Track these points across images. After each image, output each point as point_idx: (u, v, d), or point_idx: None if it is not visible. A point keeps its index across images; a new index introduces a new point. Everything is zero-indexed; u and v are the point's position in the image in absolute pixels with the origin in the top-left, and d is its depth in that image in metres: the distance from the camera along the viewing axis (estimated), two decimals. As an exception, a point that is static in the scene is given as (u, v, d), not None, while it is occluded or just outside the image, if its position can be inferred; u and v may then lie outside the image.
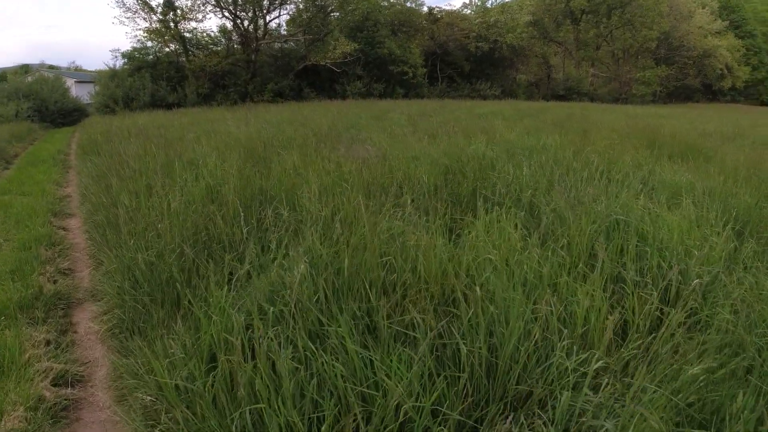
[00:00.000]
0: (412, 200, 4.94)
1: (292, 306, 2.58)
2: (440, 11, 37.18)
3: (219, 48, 30.44)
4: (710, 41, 47.93)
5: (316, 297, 2.78)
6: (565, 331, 2.78)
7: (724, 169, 7.59)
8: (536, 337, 2.60)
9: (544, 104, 28.75)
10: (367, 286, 2.86)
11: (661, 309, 3.21)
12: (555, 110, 23.10)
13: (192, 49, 29.60)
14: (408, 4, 35.56)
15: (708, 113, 29.90)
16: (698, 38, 47.12)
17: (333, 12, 30.75)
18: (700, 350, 2.83)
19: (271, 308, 2.62)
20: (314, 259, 3.20)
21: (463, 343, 2.43)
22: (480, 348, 2.44)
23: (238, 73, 28.68)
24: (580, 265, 3.60)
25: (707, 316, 3.27)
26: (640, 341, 2.91)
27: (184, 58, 29.02)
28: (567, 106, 27.14)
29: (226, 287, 2.95)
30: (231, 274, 3.47)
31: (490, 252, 3.51)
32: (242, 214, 4.14)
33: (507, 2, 39.61)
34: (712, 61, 48.85)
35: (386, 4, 34.79)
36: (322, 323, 2.64)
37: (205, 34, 30.57)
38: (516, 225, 4.03)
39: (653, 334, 2.95)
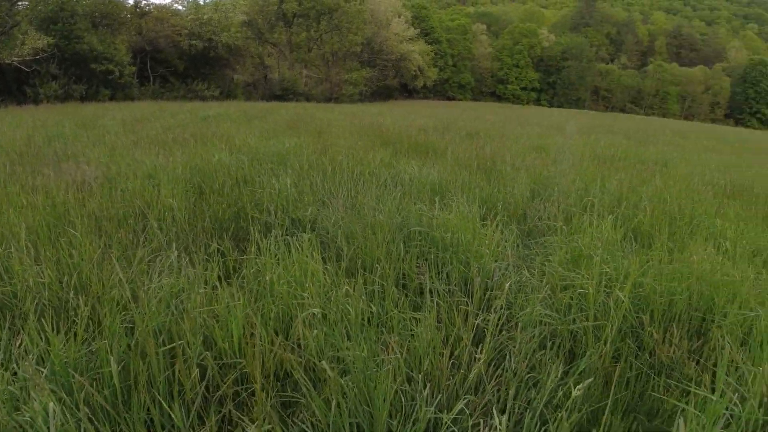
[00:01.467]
0: (175, 241, 3.88)
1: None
2: (148, 4, 33.75)
3: None
4: (405, 46, 54.74)
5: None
6: (419, 376, 2.33)
7: (459, 163, 8.26)
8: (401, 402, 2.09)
9: (266, 105, 28.56)
10: (158, 397, 1.91)
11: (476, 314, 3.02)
12: (280, 111, 23.05)
13: None
14: (112, -6, 31.25)
15: (411, 109, 33.88)
16: (395, 44, 53.40)
17: (21, 1, 25.06)
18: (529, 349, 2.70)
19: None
20: (58, 369, 2.06)
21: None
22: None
23: None
24: (393, 288, 3.20)
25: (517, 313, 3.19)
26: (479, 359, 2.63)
27: None
28: (290, 107, 27.47)
29: None
30: None
31: (296, 294, 2.86)
32: None
33: (220, 1, 38.16)
34: (407, 63, 55.88)
35: (85, -8, 29.91)
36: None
37: None
38: (312, 253, 3.42)
39: (480, 345, 2.71)
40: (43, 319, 2.30)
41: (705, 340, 2.77)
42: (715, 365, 2.41)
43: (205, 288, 2.84)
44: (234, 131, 12.25)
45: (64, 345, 2.16)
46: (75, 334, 2.28)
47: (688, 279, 3.20)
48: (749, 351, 2.43)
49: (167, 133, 11.61)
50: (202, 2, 36.85)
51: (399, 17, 56.53)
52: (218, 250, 3.85)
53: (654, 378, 2.42)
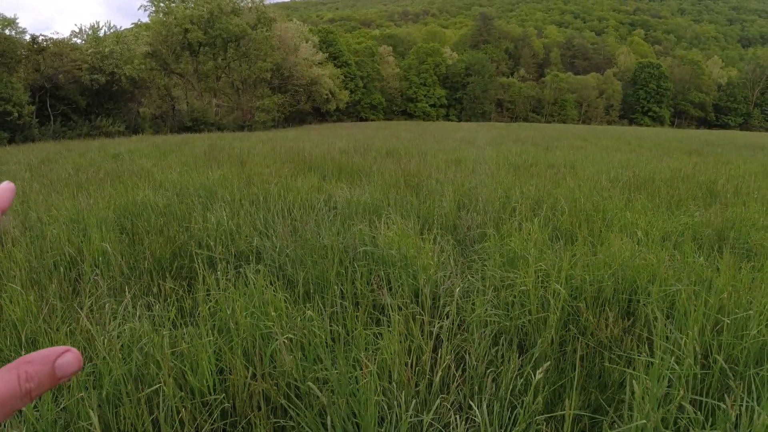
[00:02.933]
0: (119, 286, 3.80)
1: None
2: (46, 39, 31.80)
3: None
4: (315, 71, 55.22)
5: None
6: (392, 385, 2.47)
7: (386, 182, 8.52)
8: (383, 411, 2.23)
9: (178, 137, 27.69)
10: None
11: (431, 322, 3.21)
12: (195, 142, 22.44)
13: None
14: (7, 32, 29.22)
15: (327, 132, 34.04)
16: (305, 68, 53.71)
17: None
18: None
19: None
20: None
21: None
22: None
23: None
24: (351, 307, 3.34)
25: (468, 315, 3.40)
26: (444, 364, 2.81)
27: None
28: (203, 137, 26.79)
29: None
30: None
31: (261, 324, 2.92)
32: None
33: (121, 32, 36.65)
34: (318, 87, 56.32)
35: (-22, 33, 27.80)
36: None
37: None
38: (269, 283, 3.49)
39: (438, 351, 2.91)
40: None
41: (635, 318, 3.13)
42: (647, 339, 2.74)
43: (171, 330, 2.83)
44: (151, 167, 11.89)
45: (35, 405, 2.12)
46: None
47: (612, 267, 3.58)
48: (675, 321, 2.79)
49: (79, 173, 11.08)
50: (102, 34, 35.16)
51: (307, 42, 57.07)
52: (164, 290, 3.80)
53: (597, 357, 2.72)
